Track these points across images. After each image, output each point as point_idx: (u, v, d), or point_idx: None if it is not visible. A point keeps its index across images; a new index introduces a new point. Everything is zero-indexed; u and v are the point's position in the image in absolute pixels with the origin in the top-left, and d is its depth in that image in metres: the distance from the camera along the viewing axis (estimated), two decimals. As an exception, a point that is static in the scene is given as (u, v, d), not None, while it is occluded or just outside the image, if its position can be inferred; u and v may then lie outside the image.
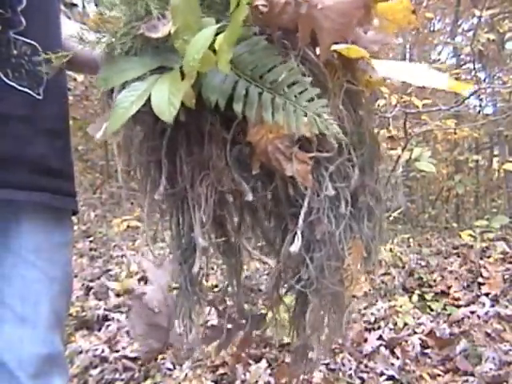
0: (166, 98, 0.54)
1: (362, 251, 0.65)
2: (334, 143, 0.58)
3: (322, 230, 0.59)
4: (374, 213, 0.67)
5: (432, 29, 7.38)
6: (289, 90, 0.55)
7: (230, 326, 0.76)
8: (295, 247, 0.58)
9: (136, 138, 0.67)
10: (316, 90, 0.56)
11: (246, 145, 0.60)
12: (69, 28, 0.93)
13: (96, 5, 0.74)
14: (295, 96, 0.55)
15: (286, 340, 2.17)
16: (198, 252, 0.62)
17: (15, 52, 0.83)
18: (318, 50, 0.62)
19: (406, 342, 2.18)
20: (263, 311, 0.78)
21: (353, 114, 0.65)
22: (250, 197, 0.60)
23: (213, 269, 3.29)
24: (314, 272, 0.60)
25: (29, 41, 0.86)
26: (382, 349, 2.13)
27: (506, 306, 2.45)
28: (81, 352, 2.20)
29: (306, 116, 0.54)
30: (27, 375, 0.86)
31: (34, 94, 0.86)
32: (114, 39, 0.60)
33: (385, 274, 2.91)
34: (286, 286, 0.70)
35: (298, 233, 0.58)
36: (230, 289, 0.75)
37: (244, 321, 0.76)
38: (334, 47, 0.60)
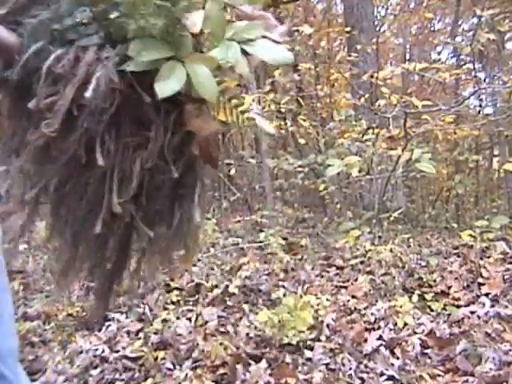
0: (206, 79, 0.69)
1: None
2: None
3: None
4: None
5: (432, 29, 7.39)
6: None
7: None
8: (198, 217, 0.78)
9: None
10: None
11: (185, 133, 0.74)
12: None
13: None
14: None
15: (286, 340, 2.17)
16: (101, 215, 0.71)
17: None
18: None
19: (406, 342, 2.18)
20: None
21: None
22: (174, 175, 0.73)
23: (212, 269, 3.30)
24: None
25: None
26: (382, 349, 2.12)
27: (506, 306, 2.45)
28: (81, 352, 2.20)
29: None
30: (6, 367, 0.92)
31: None
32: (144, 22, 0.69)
33: (385, 274, 2.91)
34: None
35: (197, 207, 0.78)
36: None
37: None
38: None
